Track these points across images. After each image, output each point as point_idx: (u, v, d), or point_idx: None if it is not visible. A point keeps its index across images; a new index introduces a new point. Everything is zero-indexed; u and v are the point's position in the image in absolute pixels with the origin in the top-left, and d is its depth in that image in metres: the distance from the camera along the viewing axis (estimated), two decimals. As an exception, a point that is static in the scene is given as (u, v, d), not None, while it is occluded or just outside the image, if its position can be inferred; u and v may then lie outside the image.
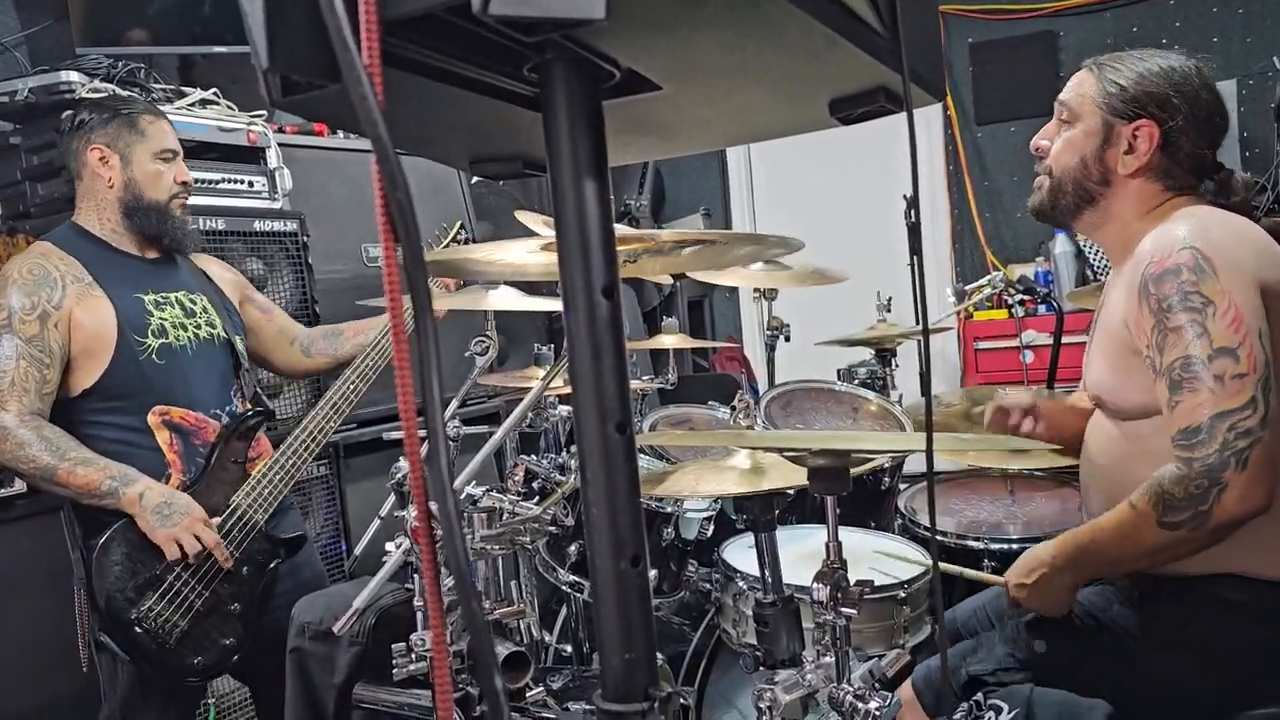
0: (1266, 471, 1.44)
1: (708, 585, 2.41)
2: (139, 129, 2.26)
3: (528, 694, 1.67)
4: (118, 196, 2.25)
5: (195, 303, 2.34)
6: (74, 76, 2.54)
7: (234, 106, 2.89)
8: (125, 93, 2.58)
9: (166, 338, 2.24)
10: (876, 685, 1.54)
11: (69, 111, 2.33)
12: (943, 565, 1.99)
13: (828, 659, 1.50)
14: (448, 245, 2.63)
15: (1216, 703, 1.58)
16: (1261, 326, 1.47)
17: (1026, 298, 3.50)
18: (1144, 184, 1.69)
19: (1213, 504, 1.45)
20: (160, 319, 2.24)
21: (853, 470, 1.41)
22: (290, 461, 2.30)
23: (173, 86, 2.87)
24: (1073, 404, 2.03)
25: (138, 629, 2.06)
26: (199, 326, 2.32)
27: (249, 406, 2.36)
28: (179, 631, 2.10)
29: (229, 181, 2.80)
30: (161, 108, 2.61)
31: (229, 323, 2.41)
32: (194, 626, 2.13)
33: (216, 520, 2.16)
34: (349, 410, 2.39)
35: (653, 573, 2.28)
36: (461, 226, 2.70)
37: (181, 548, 2.09)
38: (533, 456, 2.50)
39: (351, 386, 2.39)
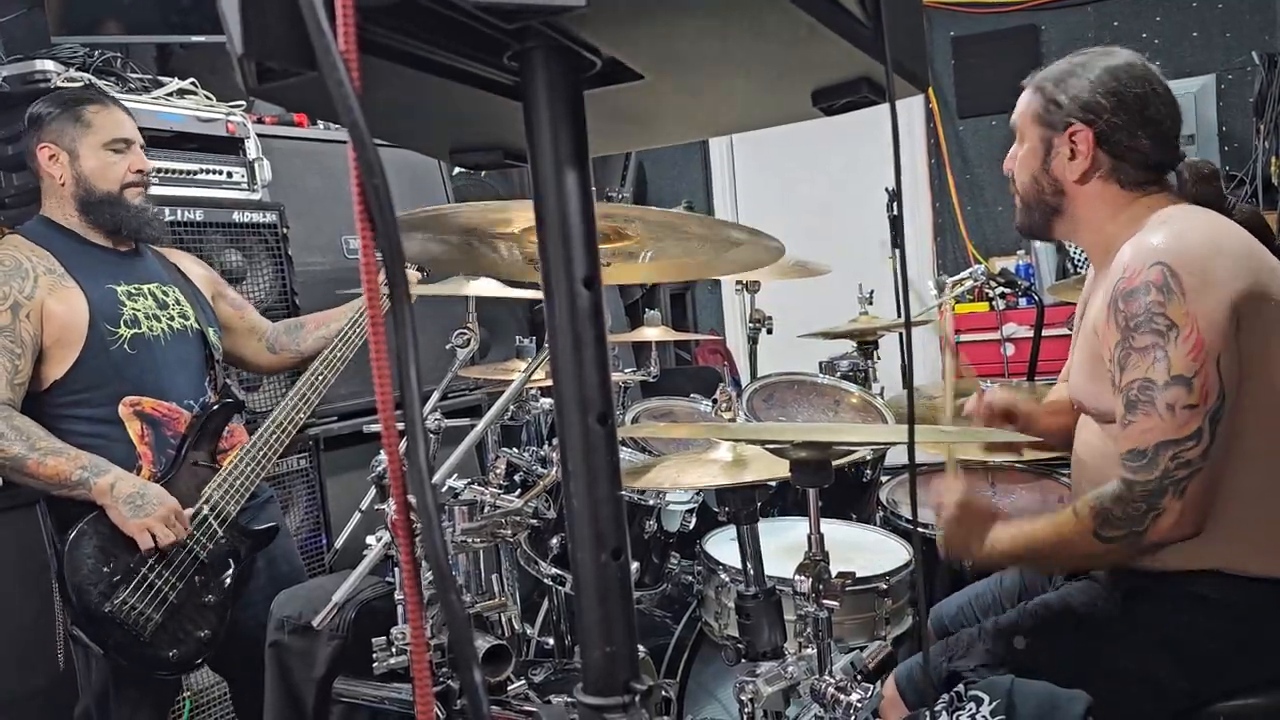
0: (1203, 500, 1.49)
1: (689, 578, 2.41)
2: (84, 121, 2.21)
3: (509, 687, 1.66)
4: (72, 193, 2.21)
5: (168, 294, 2.32)
6: (49, 66, 2.51)
7: (212, 96, 2.85)
8: (103, 85, 2.55)
9: (139, 328, 2.21)
10: (858, 677, 1.54)
11: (33, 105, 2.30)
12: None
13: (809, 651, 1.50)
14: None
15: (1193, 695, 1.60)
16: (1223, 351, 1.48)
17: (1007, 291, 3.52)
18: (1100, 186, 1.70)
19: (1148, 526, 1.50)
20: (133, 309, 2.22)
21: (834, 463, 1.41)
22: (261, 453, 2.28)
23: (150, 76, 2.83)
24: (1052, 405, 2.05)
25: (111, 622, 2.04)
26: (172, 318, 2.30)
27: (219, 398, 2.34)
28: (152, 624, 2.08)
29: (207, 172, 2.77)
30: (138, 97, 2.59)
31: (202, 315, 2.39)
32: (167, 619, 2.11)
33: (188, 511, 2.14)
34: (317, 400, 2.37)
35: (634, 565, 2.28)
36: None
37: (155, 538, 2.07)
38: (514, 449, 2.49)
39: (320, 377, 2.37)
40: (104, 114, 2.24)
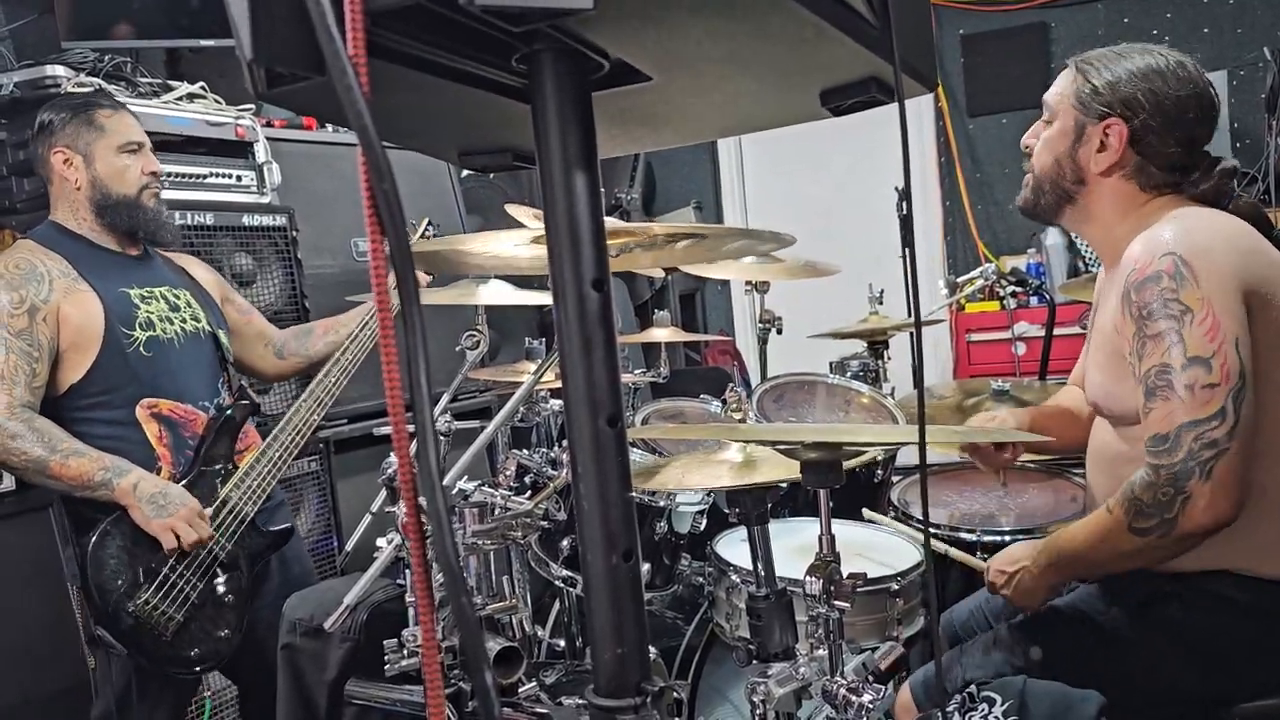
0: (1232, 483, 1.45)
1: (701, 579, 2.41)
2: (96, 124, 2.23)
3: (520, 689, 1.66)
4: (87, 196, 2.23)
5: (179, 297, 2.34)
6: (59, 71, 2.53)
7: (221, 100, 2.87)
8: (114, 90, 2.56)
9: (154, 330, 2.23)
10: (870, 678, 1.54)
11: (42, 112, 2.32)
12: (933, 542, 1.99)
13: (821, 652, 1.50)
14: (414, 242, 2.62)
15: (1209, 698, 1.59)
16: (1240, 334, 1.47)
17: (1018, 289, 3.50)
18: (1119, 183, 1.69)
19: (1178, 512, 1.47)
20: (147, 312, 2.23)
21: (845, 463, 1.41)
22: (276, 455, 2.29)
23: (159, 80, 2.85)
24: (1049, 410, 2.06)
25: (134, 621, 2.06)
26: (184, 320, 2.31)
27: (235, 399, 2.35)
28: (175, 624, 2.10)
29: (217, 176, 2.78)
30: (148, 101, 2.60)
31: (213, 317, 2.40)
32: (189, 619, 2.13)
33: (208, 511, 2.16)
34: (331, 403, 2.39)
35: (645, 567, 2.28)
36: (429, 223, 2.68)
37: (179, 538, 2.08)
38: (524, 451, 2.49)
39: (333, 380, 2.39)
40: (115, 118, 2.26)
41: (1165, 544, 1.50)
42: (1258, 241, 1.58)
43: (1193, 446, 1.45)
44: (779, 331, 3.33)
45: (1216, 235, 1.55)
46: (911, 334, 3.32)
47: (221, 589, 2.19)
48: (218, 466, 2.25)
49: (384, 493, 2.22)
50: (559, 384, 0.73)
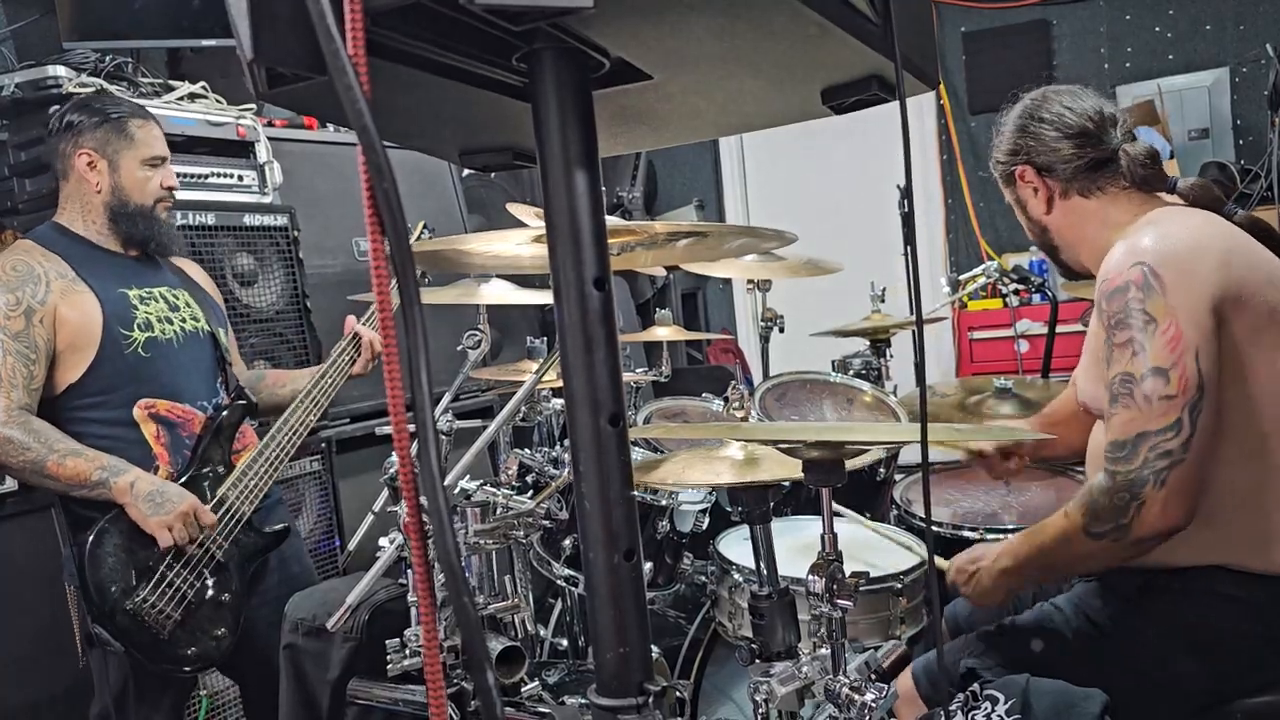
0: (1186, 491, 1.49)
1: (703, 578, 2.41)
2: (128, 134, 2.24)
3: (523, 688, 1.66)
4: (104, 201, 2.24)
5: (178, 297, 2.34)
6: (61, 71, 2.53)
7: (222, 100, 2.87)
8: (116, 90, 2.56)
9: (152, 331, 2.23)
10: (873, 677, 1.53)
11: (55, 107, 2.32)
12: (914, 547, 2.00)
13: (824, 651, 1.50)
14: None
15: (1209, 693, 1.60)
16: (1201, 345, 1.49)
17: (1021, 287, 3.50)
18: (1066, 207, 1.78)
19: (1133, 518, 1.50)
20: (146, 313, 2.23)
21: (848, 462, 1.41)
22: (273, 454, 2.29)
23: (160, 80, 2.85)
24: (1053, 414, 2.09)
25: (131, 619, 2.05)
26: (184, 320, 2.31)
27: (232, 399, 2.35)
28: (172, 622, 2.10)
29: (218, 176, 2.78)
30: (150, 102, 2.60)
31: (212, 316, 2.40)
32: (186, 617, 2.13)
33: (206, 508, 2.16)
34: (327, 404, 2.39)
35: (647, 566, 2.28)
36: (425, 227, 2.70)
37: (174, 536, 2.08)
38: (526, 450, 2.49)
39: (330, 381, 2.39)
40: (146, 129, 2.28)
41: (1119, 548, 1.53)
42: (1240, 242, 1.59)
43: (1148, 456, 1.49)
44: (781, 330, 3.33)
45: (1193, 242, 1.57)
46: (913, 332, 3.32)
47: (218, 588, 2.19)
48: (214, 466, 2.25)
49: (386, 492, 2.23)
50: (560, 383, 0.73)
